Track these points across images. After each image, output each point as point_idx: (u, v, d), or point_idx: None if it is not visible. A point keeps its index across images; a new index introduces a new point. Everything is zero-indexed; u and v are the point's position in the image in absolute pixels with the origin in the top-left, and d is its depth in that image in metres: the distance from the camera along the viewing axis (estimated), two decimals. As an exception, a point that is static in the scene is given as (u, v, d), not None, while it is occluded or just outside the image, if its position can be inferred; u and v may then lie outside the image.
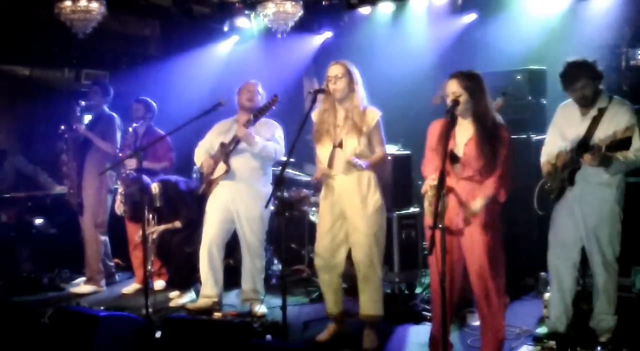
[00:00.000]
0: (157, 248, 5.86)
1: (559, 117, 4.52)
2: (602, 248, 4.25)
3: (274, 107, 5.22)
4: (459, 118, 3.93)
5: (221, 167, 5.28)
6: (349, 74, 4.50)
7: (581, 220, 4.30)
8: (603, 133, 4.13)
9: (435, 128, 4.08)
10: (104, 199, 6.37)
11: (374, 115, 4.52)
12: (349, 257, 4.70)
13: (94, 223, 6.33)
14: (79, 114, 6.35)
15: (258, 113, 5.15)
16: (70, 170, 6.38)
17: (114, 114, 6.45)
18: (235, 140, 5.20)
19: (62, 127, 6.34)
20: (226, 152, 5.25)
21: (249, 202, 5.31)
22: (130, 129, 6.38)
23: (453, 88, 3.89)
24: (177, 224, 5.82)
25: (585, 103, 4.28)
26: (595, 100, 4.25)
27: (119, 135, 6.39)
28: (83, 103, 6.39)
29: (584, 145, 4.17)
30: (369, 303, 4.61)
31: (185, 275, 5.86)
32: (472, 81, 3.90)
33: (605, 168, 4.10)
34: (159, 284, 6.31)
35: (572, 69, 4.23)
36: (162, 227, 5.80)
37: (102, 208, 6.36)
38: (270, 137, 5.30)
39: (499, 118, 4.00)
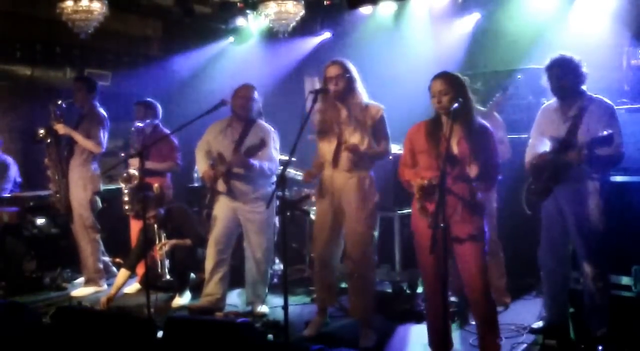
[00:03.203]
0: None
1: (540, 118, 4.59)
2: (590, 244, 4.29)
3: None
4: (444, 118, 3.94)
5: (221, 186, 5.27)
6: (347, 73, 4.52)
7: (567, 217, 4.35)
8: (584, 131, 4.21)
9: (418, 132, 4.06)
10: (91, 200, 6.27)
11: (378, 109, 4.58)
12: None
13: (83, 225, 6.27)
14: (58, 113, 6.18)
15: (250, 152, 5.11)
16: (54, 173, 6.29)
17: (102, 112, 6.30)
18: (230, 165, 5.16)
19: (41, 132, 6.21)
20: (224, 172, 5.21)
21: (254, 205, 5.29)
22: (132, 129, 6.30)
23: (439, 87, 3.90)
24: (188, 242, 5.84)
25: (561, 94, 4.36)
26: (575, 99, 4.32)
27: (105, 134, 6.26)
28: (60, 102, 6.21)
29: (566, 145, 4.24)
30: (361, 303, 4.67)
31: (181, 276, 5.87)
32: (457, 81, 3.93)
33: (587, 166, 4.15)
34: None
35: (559, 60, 4.33)
36: (174, 242, 5.80)
37: (89, 209, 6.27)
38: (267, 149, 5.21)
39: (480, 119, 4.04)
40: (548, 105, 4.55)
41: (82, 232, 6.29)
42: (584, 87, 4.35)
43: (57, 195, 6.30)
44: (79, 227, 6.29)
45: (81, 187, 6.23)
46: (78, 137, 6.17)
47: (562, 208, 4.37)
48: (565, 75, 4.29)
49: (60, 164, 6.26)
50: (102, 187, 6.44)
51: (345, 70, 4.53)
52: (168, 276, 5.69)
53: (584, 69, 4.31)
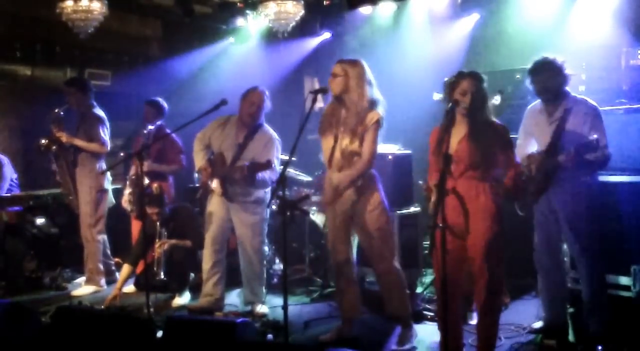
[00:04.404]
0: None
1: (526, 119, 4.63)
2: (583, 244, 4.31)
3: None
4: (457, 118, 3.95)
5: (217, 188, 5.26)
6: (345, 75, 4.42)
7: (560, 218, 4.37)
8: (570, 133, 4.25)
9: (434, 135, 4.11)
10: (97, 198, 6.30)
11: (373, 116, 4.43)
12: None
13: (89, 224, 6.30)
14: (57, 122, 6.20)
15: (255, 169, 5.01)
16: (63, 177, 6.34)
17: (99, 112, 6.32)
18: (232, 173, 5.15)
19: (43, 142, 6.23)
20: (223, 176, 5.21)
21: (246, 206, 5.30)
22: (145, 132, 6.31)
23: (466, 87, 3.90)
24: (187, 243, 5.84)
25: (545, 97, 4.38)
26: (559, 100, 4.35)
27: (106, 132, 6.28)
28: (57, 110, 6.22)
29: (553, 146, 4.26)
30: (395, 300, 4.56)
31: (180, 276, 5.87)
32: (482, 83, 3.94)
33: (578, 169, 4.19)
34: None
35: (543, 62, 4.35)
36: (173, 241, 5.80)
37: (95, 208, 6.30)
38: (267, 158, 5.15)
39: (492, 118, 4.04)
40: (533, 106, 4.59)
41: (86, 230, 6.32)
42: (567, 88, 4.38)
43: (70, 197, 6.36)
44: (85, 225, 6.32)
45: (87, 186, 6.27)
46: (81, 144, 6.20)
47: (555, 209, 4.40)
48: (549, 78, 4.32)
49: (68, 168, 6.29)
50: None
51: (344, 71, 4.42)
52: (162, 276, 5.68)
53: (568, 70, 4.34)
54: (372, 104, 4.44)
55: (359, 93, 4.42)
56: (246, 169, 4.98)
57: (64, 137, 6.17)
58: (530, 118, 4.58)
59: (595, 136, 4.05)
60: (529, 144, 4.54)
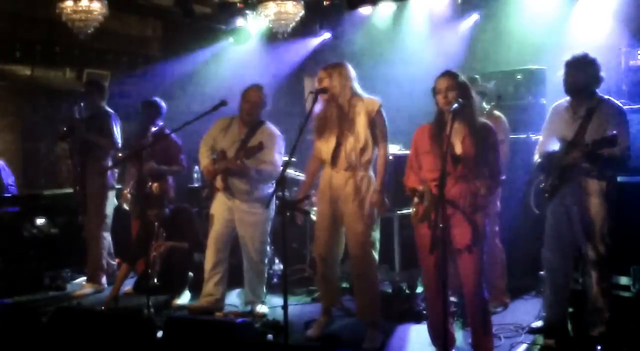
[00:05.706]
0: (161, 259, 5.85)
1: (551, 116, 4.59)
2: (595, 245, 4.29)
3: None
4: (448, 117, 3.96)
5: (219, 183, 5.27)
6: (329, 77, 4.54)
7: (573, 217, 4.34)
8: (593, 132, 4.21)
9: (422, 133, 4.10)
10: (106, 196, 6.34)
11: (374, 104, 4.54)
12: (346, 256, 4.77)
13: (98, 221, 6.32)
14: (78, 116, 6.27)
15: (248, 154, 5.03)
16: (74, 170, 6.38)
17: (111, 110, 6.39)
18: (228, 166, 5.15)
19: (65, 129, 6.29)
20: (222, 170, 5.21)
21: (250, 206, 5.29)
22: (149, 134, 6.32)
23: (446, 84, 3.94)
24: (185, 245, 5.84)
25: (574, 92, 4.34)
26: (585, 99, 4.32)
27: (117, 129, 6.32)
28: (81, 103, 6.30)
29: (574, 145, 4.24)
30: (367, 304, 4.66)
31: (178, 278, 5.87)
32: (461, 80, 3.97)
33: (591, 165, 4.17)
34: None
35: (581, 58, 4.32)
36: (170, 244, 5.80)
37: (104, 205, 6.33)
38: (269, 152, 5.14)
39: (482, 119, 4.09)
40: (559, 104, 4.53)
41: (95, 227, 6.33)
42: (597, 89, 4.35)
43: (76, 190, 6.37)
44: (93, 222, 6.33)
45: (98, 183, 6.28)
46: (94, 138, 6.23)
47: (569, 208, 4.36)
48: (581, 74, 4.28)
49: (79, 162, 6.31)
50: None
51: (327, 75, 4.54)
52: (155, 281, 5.67)
53: (602, 73, 4.31)
54: (357, 94, 4.56)
55: (345, 88, 4.54)
56: (243, 153, 5.02)
57: (82, 129, 6.20)
58: (555, 116, 4.53)
59: (613, 132, 4.03)
60: (550, 142, 4.47)
